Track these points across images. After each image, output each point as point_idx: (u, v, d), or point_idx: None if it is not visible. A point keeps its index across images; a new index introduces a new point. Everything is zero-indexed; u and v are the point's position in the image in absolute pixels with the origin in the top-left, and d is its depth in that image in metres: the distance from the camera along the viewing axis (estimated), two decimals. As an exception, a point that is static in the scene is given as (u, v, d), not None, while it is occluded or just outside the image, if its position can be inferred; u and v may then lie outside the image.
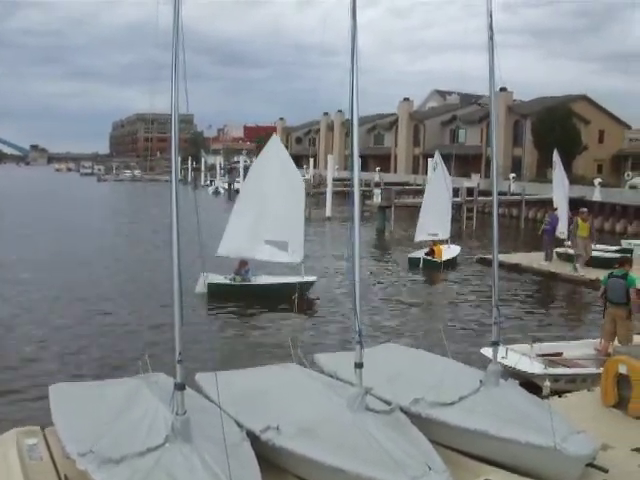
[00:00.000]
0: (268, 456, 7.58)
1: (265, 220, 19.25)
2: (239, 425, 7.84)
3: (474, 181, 50.05)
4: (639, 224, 42.20)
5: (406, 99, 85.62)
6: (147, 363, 9.43)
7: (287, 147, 22.51)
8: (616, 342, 12.48)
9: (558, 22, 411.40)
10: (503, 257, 24.13)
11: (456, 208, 38.71)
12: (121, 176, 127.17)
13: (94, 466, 6.77)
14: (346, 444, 7.31)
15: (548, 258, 26.11)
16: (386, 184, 55.29)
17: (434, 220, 27.80)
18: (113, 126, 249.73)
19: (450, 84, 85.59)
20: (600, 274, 15.62)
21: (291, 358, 10.31)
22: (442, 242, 27.74)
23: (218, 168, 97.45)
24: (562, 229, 26.49)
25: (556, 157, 28.80)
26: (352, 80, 8.33)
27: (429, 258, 26.29)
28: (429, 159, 31.05)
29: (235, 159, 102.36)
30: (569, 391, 10.96)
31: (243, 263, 20.32)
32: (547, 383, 10.65)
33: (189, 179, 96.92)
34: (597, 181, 47.10)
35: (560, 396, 10.60)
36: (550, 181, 33.89)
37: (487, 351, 11.27)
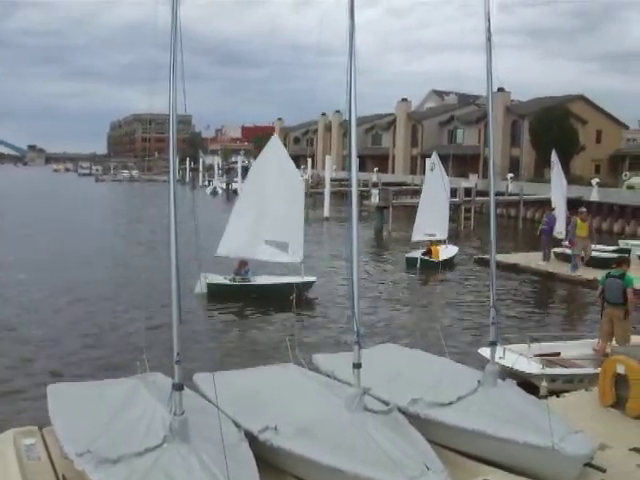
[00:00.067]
0: (266, 456, 7.57)
1: (265, 220, 19.28)
2: (237, 425, 7.84)
3: (472, 181, 50.06)
4: (637, 224, 42.23)
5: (404, 99, 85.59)
6: (145, 363, 9.43)
7: (285, 147, 22.46)
8: (614, 342, 12.50)
9: (555, 22, 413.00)
10: (501, 257, 24.10)
11: (454, 208, 38.77)
12: (119, 176, 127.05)
13: (92, 466, 6.76)
14: (344, 444, 7.31)
15: (546, 258, 26.13)
16: (384, 184, 55.34)
17: (431, 220, 27.83)
18: (111, 126, 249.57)
19: (448, 84, 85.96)
20: (598, 274, 15.63)
21: (289, 358, 10.31)
22: (440, 242, 27.76)
23: (216, 168, 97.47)
24: (560, 229, 26.53)
25: (554, 157, 28.85)
26: (350, 80, 8.33)
27: (426, 258, 26.31)
28: (427, 159, 31.05)
29: (233, 159, 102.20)
30: (567, 391, 10.96)
31: (243, 263, 20.34)
32: (544, 383, 10.67)
33: (187, 179, 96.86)
34: (595, 181, 47.16)
35: (558, 396, 10.60)
36: (548, 181, 33.93)
37: (485, 351, 11.30)
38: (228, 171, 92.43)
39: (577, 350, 12.89)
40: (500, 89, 61.75)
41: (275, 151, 20.39)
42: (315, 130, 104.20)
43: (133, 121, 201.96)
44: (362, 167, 70.34)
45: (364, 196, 46.21)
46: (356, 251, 8.50)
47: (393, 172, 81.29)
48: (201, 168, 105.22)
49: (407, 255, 27.40)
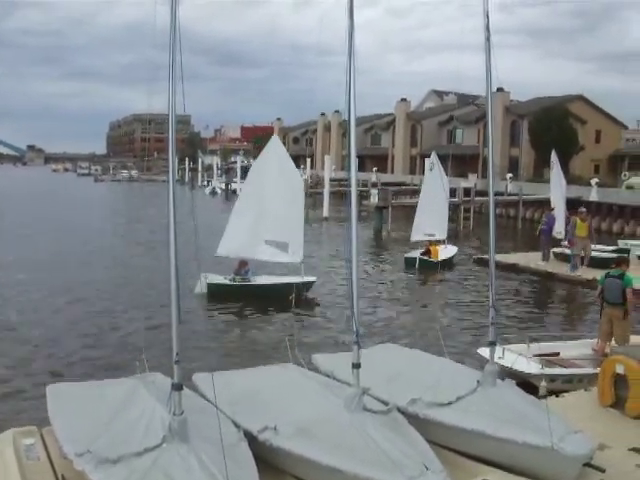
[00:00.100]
0: (266, 456, 7.57)
1: (265, 220, 19.31)
2: (236, 425, 7.84)
3: (471, 181, 50.06)
4: (636, 224, 42.25)
5: (403, 99, 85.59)
6: (144, 363, 9.42)
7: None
8: (613, 342, 12.50)
9: (555, 22, 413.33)
10: (500, 257, 24.11)
11: (453, 208, 38.78)
12: (118, 176, 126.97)
13: (91, 466, 6.76)
14: (343, 444, 7.31)
15: (545, 258, 26.13)
16: (383, 184, 55.34)
17: (431, 220, 27.84)
18: (110, 126, 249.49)
19: (447, 84, 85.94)
20: (597, 274, 15.64)
21: (289, 358, 10.31)
22: (439, 242, 27.77)
23: (215, 168, 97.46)
24: (559, 229, 26.53)
25: (554, 157, 28.85)
26: (349, 80, 8.33)
27: (425, 258, 26.31)
28: (426, 159, 31.05)
29: (232, 159, 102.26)
30: (566, 391, 10.96)
31: (243, 263, 20.35)
32: (543, 383, 10.69)
33: (186, 179, 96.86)
34: (594, 181, 47.19)
35: (557, 396, 10.60)
36: (547, 181, 33.93)
37: (484, 351, 11.30)
38: (227, 171, 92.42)
39: (576, 350, 12.89)
40: (499, 89, 61.77)
41: (275, 151, 20.42)
42: (314, 130, 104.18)
43: (132, 121, 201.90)
44: (361, 167, 70.38)
45: (363, 196, 46.26)
46: (355, 251, 8.50)
47: (392, 172, 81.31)
48: (200, 168, 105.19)
49: (406, 255, 27.41)
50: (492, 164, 10.19)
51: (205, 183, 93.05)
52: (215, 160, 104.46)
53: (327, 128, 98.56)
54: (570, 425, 8.06)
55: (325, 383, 9.28)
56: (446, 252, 27.36)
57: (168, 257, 7.30)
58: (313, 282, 20.48)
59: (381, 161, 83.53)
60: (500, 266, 22.43)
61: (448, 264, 26.67)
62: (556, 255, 26.46)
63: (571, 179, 43.67)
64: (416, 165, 77.52)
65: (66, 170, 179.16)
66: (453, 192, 38.44)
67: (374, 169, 69.80)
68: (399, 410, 8.33)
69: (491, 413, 8.26)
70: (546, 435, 7.42)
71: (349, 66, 8.29)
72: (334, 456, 7.09)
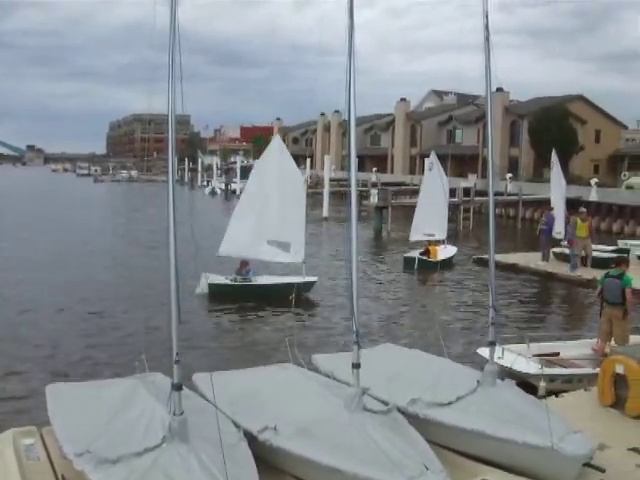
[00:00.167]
0: (265, 456, 7.58)
1: (267, 220, 19.37)
2: (236, 425, 7.84)
3: (471, 181, 50.07)
4: (635, 224, 42.25)
5: (403, 99, 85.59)
6: (144, 363, 9.42)
7: (284, 147, 22.46)
8: (613, 342, 12.50)
9: (555, 22, 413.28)
10: (500, 257, 24.12)
11: (452, 208, 38.76)
12: (118, 177, 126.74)
13: (91, 466, 6.76)
14: (343, 444, 7.31)
15: (545, 258, 26.14)
16: (383, 184, 55.33)
17: (430, 220, 27.84)
18: (110, 126, 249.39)
19: (447, 84, 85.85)
20: (598, 274, 15.63)
21: (289, 358, 10.31)
22: (438, 242, 27.76)
23: (215, 168, 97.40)
24: (559, 229, 26.53)
25: (554, 157, 28.84)
26: (349, 80, 8.33)
27: (424, 258, 26.29)
28: (426, 159, 31.04)
29: (232, 159, 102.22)
30: (565, 391, 10.96)
31: (244, 263, 20.36)
32: (542, 384, 10.70)
33: (186, 180, 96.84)
34: (594, 181, 47.21)
35: (557, 396, 10.60)
36: (547, 181, 33.93)
37: (484, 351, 11.29)
38: (227, 171, 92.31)
39: (576, 350, 12.89)
40: (499, 89, 61.76)
41: (277, 151, 20.48)
42: (314, 130, 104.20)
43: (132, 121, 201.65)
44: (361, 167, 70.37)
45: (363, 196, 46.25)
46: (355, 251, 8.50)
47: (392, 172, 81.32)
48: (200, 168, 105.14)
49: (405, 255, 27.41)
50: (492, 164, 10.19)
51: (205, 183, 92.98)
52: (215, 160, 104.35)
53: (327, 128, 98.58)
54: (570, 425, 8.06)
55: (325, 383, 9.28)
56: (445, 252, 27.37)
57: (168, 257, 7.30)
58: (314, 282, 20.50)
59: (381, 161, 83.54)
60: (500, 266, 22.45)
61: (447, 264, 26.67)
62: (556, 255, 26.46)
63: (571, 179, 43.65)
64: (416, 165, 77.47)
65: (65, 170, 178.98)
66: (453, 192, 38.46)
67: (374, 169, 69.84)
68: (399, 410, 8.33)
69: (491, 413, 8.26)
70: (546, 435, 7.42)
71: (349, 66, 8.30)
72: (334, 456, 7.09)
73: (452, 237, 31.67)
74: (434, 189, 28.20)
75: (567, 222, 25.95)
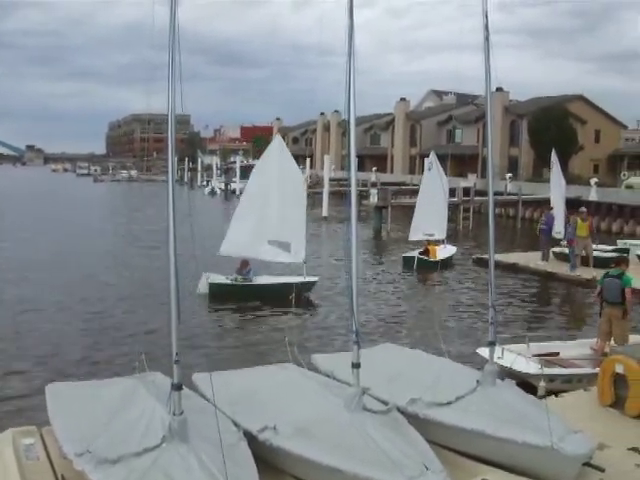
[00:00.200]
0: (265, 456, 7.57)
1: (268, 220, 19.42)
2: (236, 425, 7.84)
3: (470, 181, 50.09)
4: (635, 224, 42.25)
5: (402, 99, 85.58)
6: (144, 363, 9.42)
7: (283, 147, 22.47)
8: (612, 342, 12.50)
9: (555, 22, 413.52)
10: (500, 257, 24.15)
11: (452, 208, 38.76)
12: (117, 176, 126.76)
13: (91, 466, 6.76)
14: (343, 444, 7.31)
15: (545, 258, 26.13)
16: (383, 184, 55.25)
17: (429, 220, 27.82)
18: (109, 126, 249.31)
19: (446, 84, 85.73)
20: (598, 274, 15.64)
21: (289, 358, 10.31)
22: (438, 242, 27.76)
23: (215, 168, 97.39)
24: (559, 229, 26.52)
25: (554, 157, 28.84)
26: (349, 80, 8.33)
27: (424, 258, 26.27)
28: (425, 159, 31.04)
29: (231, 159, 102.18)
30: (565, 391, 10.96)
31: (245, 263, 20.37)
32: (542, 384, 10.69)
33: (186, 179, 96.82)
34: (593, 181, 47.21)
35: (557, 396, 10.60)
36: (546, 181, 33.93)
37: (484, 351, 11.29)
38: (227, 171, 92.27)
39: (576, 350, 12.89)
40: (499, 89, 61.75)
41: (278, 151, 20.49)
42: (314, 130, 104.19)
43: (132, 121, 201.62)
44: (361, 167, 70.27)
45: (363, 196, 46.20)
46: (355, 251, 8.50)
47: (392, 172, 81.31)
48: (200, 168, 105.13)
49: (404, 254, 27.40)
50: (491, 164, 10.19)
51: (204, 183, 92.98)
52: (214, 160, 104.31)
53: (326, 128, 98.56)
54: (570, 425, 8.06)
55: (325, 383, 9.28)
56: (445, 252, 27.36)
57: (167, 257, 7.29)
58: (315, 282, 20.51)
59: (380, 161, 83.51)
60: (500, 266, 22.48)
61: (447, 264, 26.67)
62: (556, 255, 26.45)
63: (570, 179, 43.65)
64: (415, 165, 77.46)
65: (65, 170, 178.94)
66: (452, 192, 38.46)
67: (373, 169, 69.81)
68: (399, 410, 8.33)
69: (491, 413, 8.26)
70: (546, 435, 7.42)
71: (349, 66, 8.30)
72: (334, 456, 7.09)
73: (452, 237, 31.69)
74: (434, 189, 28.20)
75: (567, 222, 25.95)
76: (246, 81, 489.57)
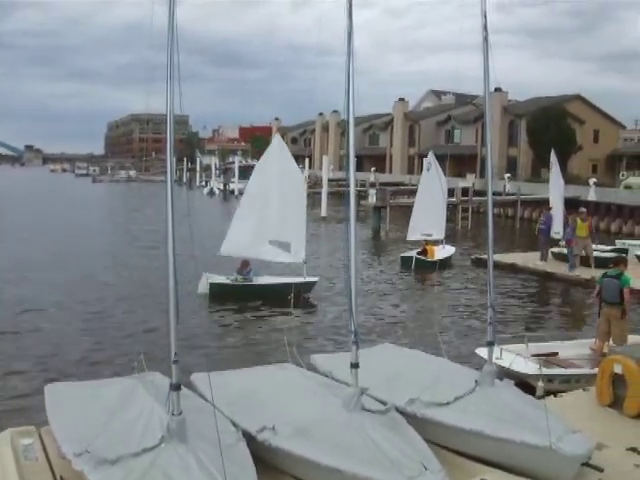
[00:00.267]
0: (264, 456, 7.57)
1: (269, 220, 19.44)
2: (235, 425, 7.83)
3: (469, 181, 50.15)
4: (634, 224, 42.29)
5: (401, 99, 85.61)
6: (143, 363, 9.42)
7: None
8: (611, 342, 12.50)
9: (553, 22, 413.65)
10: (498, 257, 24.17)
11: (451, 208, 38.78)
12: (116, 177, 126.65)
13: (90, 466, 6.76)
14: (342, 444, 7.31)
15: (544, 258, 26.13)
16: (381, 184, 55.27)
17: (428, 220, 27.81)
18: (108, 127, 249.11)
19: (445, 84, 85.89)
20: (597, 274, 15.64)
21: (287, 358, 10.31)
22: (436, 242, 27.76)
23: (213, 169, 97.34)
24: (557, 229, 26.54)
25: (553, 157, 28.86)
26: (348, 80, 8.33)
27: (422, 258, 26.27)
28: (424, 159, 31.06)
29: (230, 160, 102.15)
30: (564, 391, 10.96)
31: (245, 263, 20.37)
32: (540, 384, 10.70)
33: (184, 180, 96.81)
34: (592, 181, 47.26)
35: (555, 396, 10.61)
36: (545, 181, 34.00)
37: (482, 351, 11.29)
38: (225, 171, 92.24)
39: (574, 350, 12.88)
40: (497, 89, 61.84)
41: (277, 151, 20.49)
42: (312, 130, 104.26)
43: (130, 121, 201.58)
44: (359, 167, 70.35)
45: (361, 196, 46.24)
46: (354, 251, 8.50)
47: (390, 172, 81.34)
48: (198, 168, 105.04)
49: (402, 254, 27.40)
50: (490, 164, 10.20)
51: (203, 183, 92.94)
52: (213, 160, 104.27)
53: (325, 128, 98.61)
54: (568, 425, 8.07)
55: (324, 383, 9.28)
56: (443, 252, 27.36)
57: (166, 257, 7.29)
58: (315, 282, 20.52)
59: (379, 161, 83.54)
60: (498, 266, 22.51)
61: (445, 264, 26.66)
62: (554, 255, 26.45)
63: (569, 179, 43.68)
64: (414, 165, 77.50)
65: (64, 171, 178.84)
66: (451, 192, 38.47)
67: (372, 169, 69.85)
68: (397, 410, 8.33)
69: (489, 413, 8.27)
70: (544, 435, 7.43)
71: (348, 66, 8.30)
72: (333, 456, 7.10)
73: (450, 237, 31.67)
74: (432, 189, 28.21)
75: (566, 222, 25.96)
76: (245, 81, 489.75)
